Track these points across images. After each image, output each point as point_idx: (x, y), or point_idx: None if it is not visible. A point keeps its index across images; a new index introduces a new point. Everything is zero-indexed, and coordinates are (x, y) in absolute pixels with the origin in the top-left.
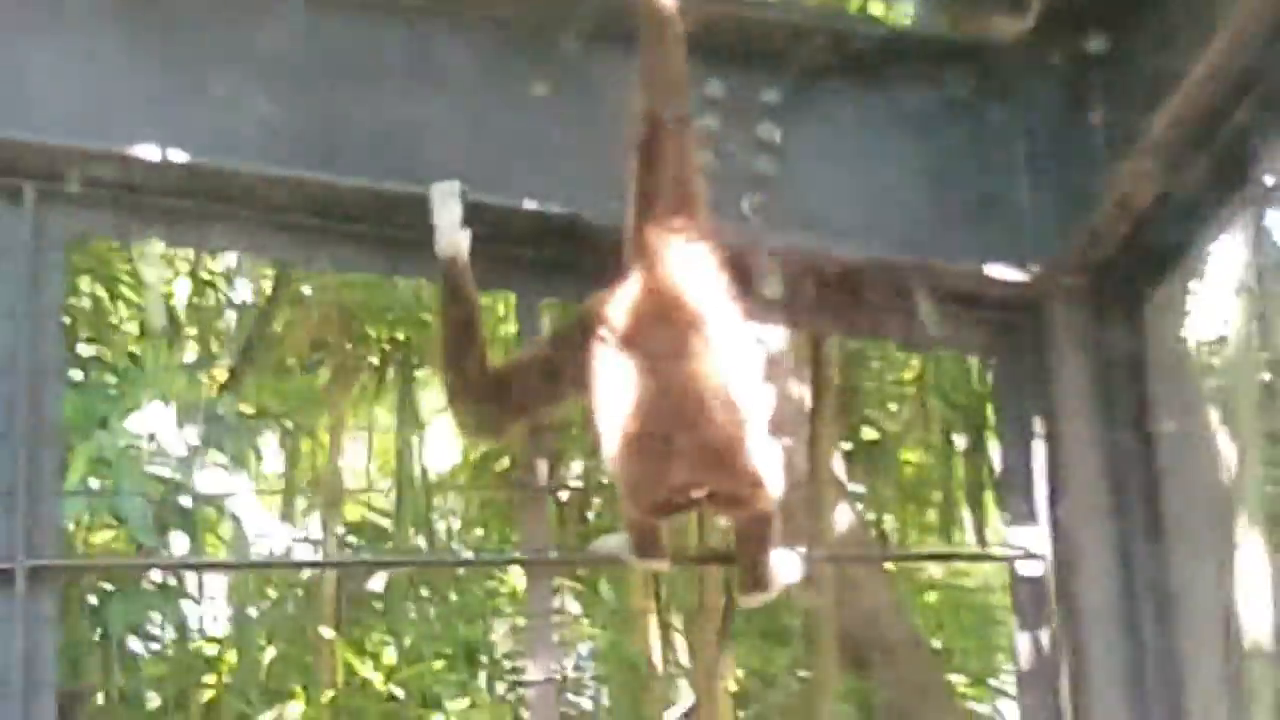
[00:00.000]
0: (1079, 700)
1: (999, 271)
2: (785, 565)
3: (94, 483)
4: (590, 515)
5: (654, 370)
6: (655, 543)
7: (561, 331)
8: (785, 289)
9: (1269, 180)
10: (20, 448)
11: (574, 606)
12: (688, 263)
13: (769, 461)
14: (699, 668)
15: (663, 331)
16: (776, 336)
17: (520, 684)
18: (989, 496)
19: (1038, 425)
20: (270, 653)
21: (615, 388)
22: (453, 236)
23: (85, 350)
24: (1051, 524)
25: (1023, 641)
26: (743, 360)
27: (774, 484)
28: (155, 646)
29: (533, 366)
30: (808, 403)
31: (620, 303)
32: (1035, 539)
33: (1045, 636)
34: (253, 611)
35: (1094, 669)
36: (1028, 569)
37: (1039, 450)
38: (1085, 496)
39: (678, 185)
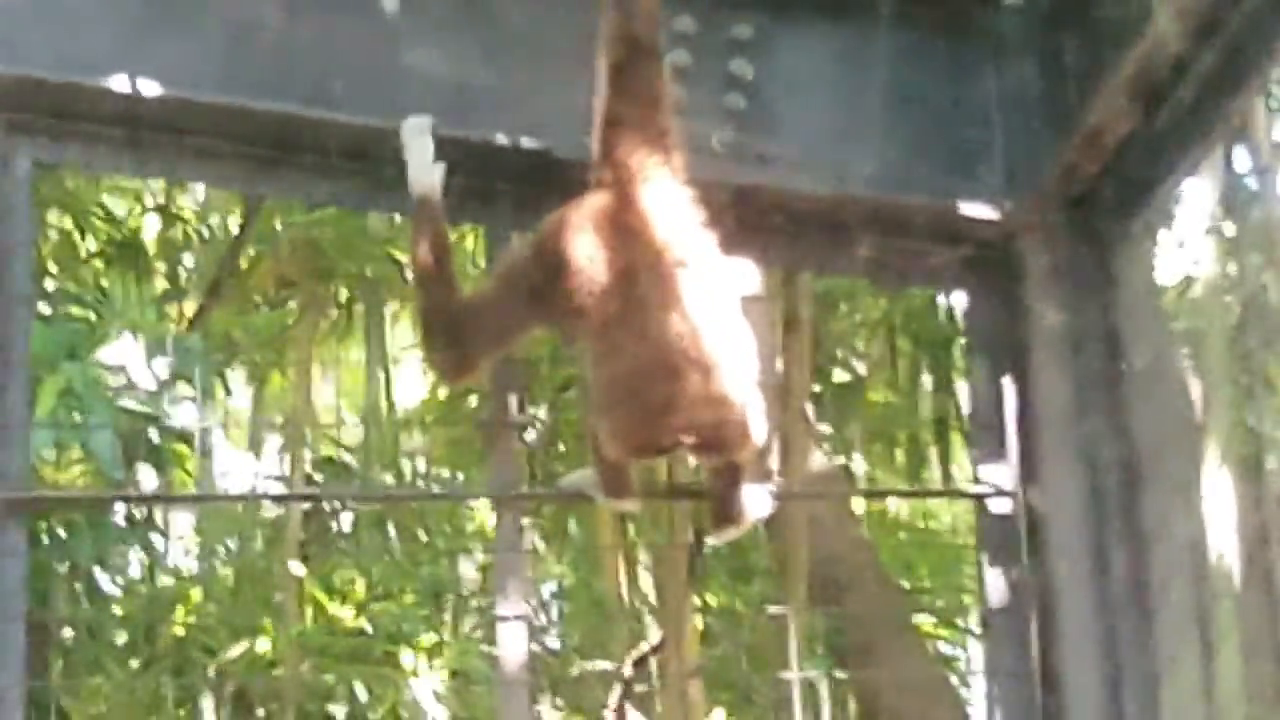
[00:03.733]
0: (1048, 638)
1: (971, 208)
2: (755, 500)
3: (62, 415)
4: (559, 451)
5: (641, 311)
6: (625, 483)
7: (520, 258)
8: (756, 225)
9: (1237, 120)
10: None
11: (540, 544)
12: (663, 195)
13: (756, 407)
14: (666, 605)
15: (645, 271)
16: (745, 271)
17: (493, 619)
18: (956, 436)
19: (1008, 362)
20: (238, 589)
21: (600, 328)
22: (425, 173)
23: (53, 283)
24: (1021, 461)
25: (991, 579)
26: (726, 300)
27: (760, 431)
28: (123, 581)
29: (497, 297)
30: (778, 340)
31: (592, 233)
32: (1004, 476)
33: (1014, 574)
34: (220, 547)
35: (1063, 607)
36: (997, 506)
37: (1009, 387)
38: (1055, 434)
39: (649, 110)
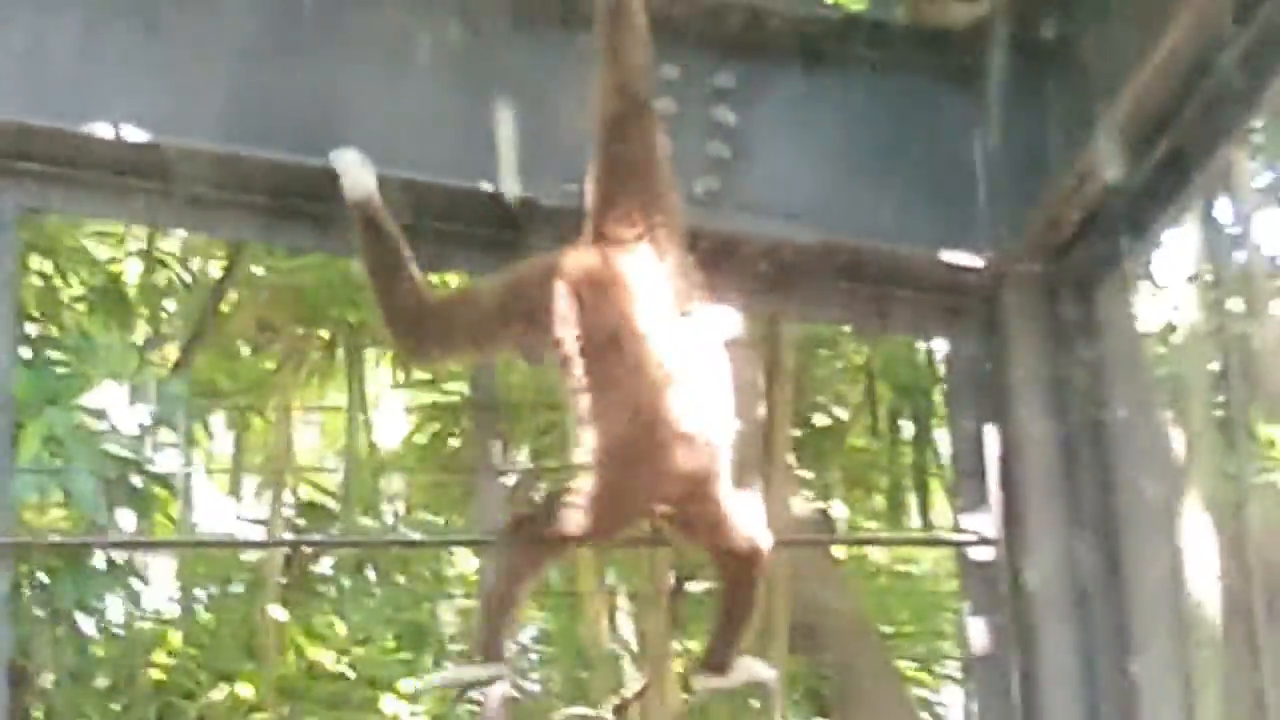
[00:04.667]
0: (1029, 686)
1: (953, 256)
2: (754, 667)
3: (44, 460)
4: (537, 497)
5: (630, 378)
6: (499, 637)
7: (517, 280)
8: (740, 272)
9: (1219, 169)
10: None
11: None
12: (657, 254)
13: (748, 505)
14: (648, 650)
15: (634, 336)
16: (731, 320)
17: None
18: (935, 483)
19: (990, 409)
20: (218, 632)
21: (587, 387)
22: (358, 177)
23: (35, 328)
24: (1003, 509)
25: (973, 627)
26: (717, 365)
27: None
28: (104, 625)
29: (485, 302)
30: (761, 386)
31: (582, 288)
32: (986, 524)
33: (996, 621)
34: (200, 592)
35: (1045, 654)
36: (979, 554)
37: (991, 435)
38: (1037, 481)
39: (644, 164)
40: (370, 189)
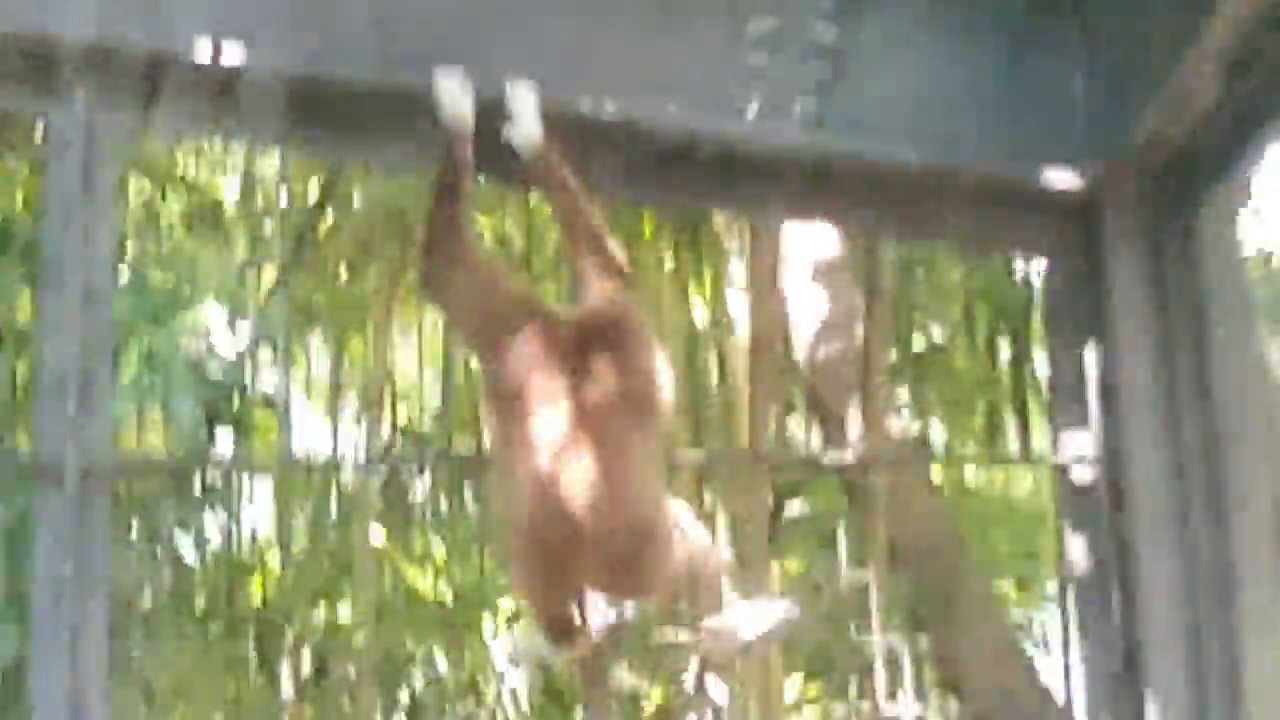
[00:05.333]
0: (1129, 607)
1: (1053, 177)
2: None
3: (144, 382)
4: None
5: (569, 452)
6: (569, 627)
7: (512, 299)
8: (838, 194)
9: None
10: (72, 347)
11: None
12: (624, 333)
13: (666, 567)
14: (746, 572)
15: (581, 414)
16: (831, 241)
17: None
18: (1033, 404)
19: (1089, 330)
20: (316, 555)
21: (521, 457)
22: (457, 100)
23: (135, 249)
24: (1103, 429)
25: (1072, 548)
26: (655, 460)
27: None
28: (203, 548)
29: (487, 289)
30: (860, 309)
31: (546, 350)
32: (1085, 444)
33: (1096, 543)
34: (298, 514)
35: (1145, 575)
36: (1079, 475)
37: (1090, 355)
38: (1137, 402)
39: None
40: (466, 112)
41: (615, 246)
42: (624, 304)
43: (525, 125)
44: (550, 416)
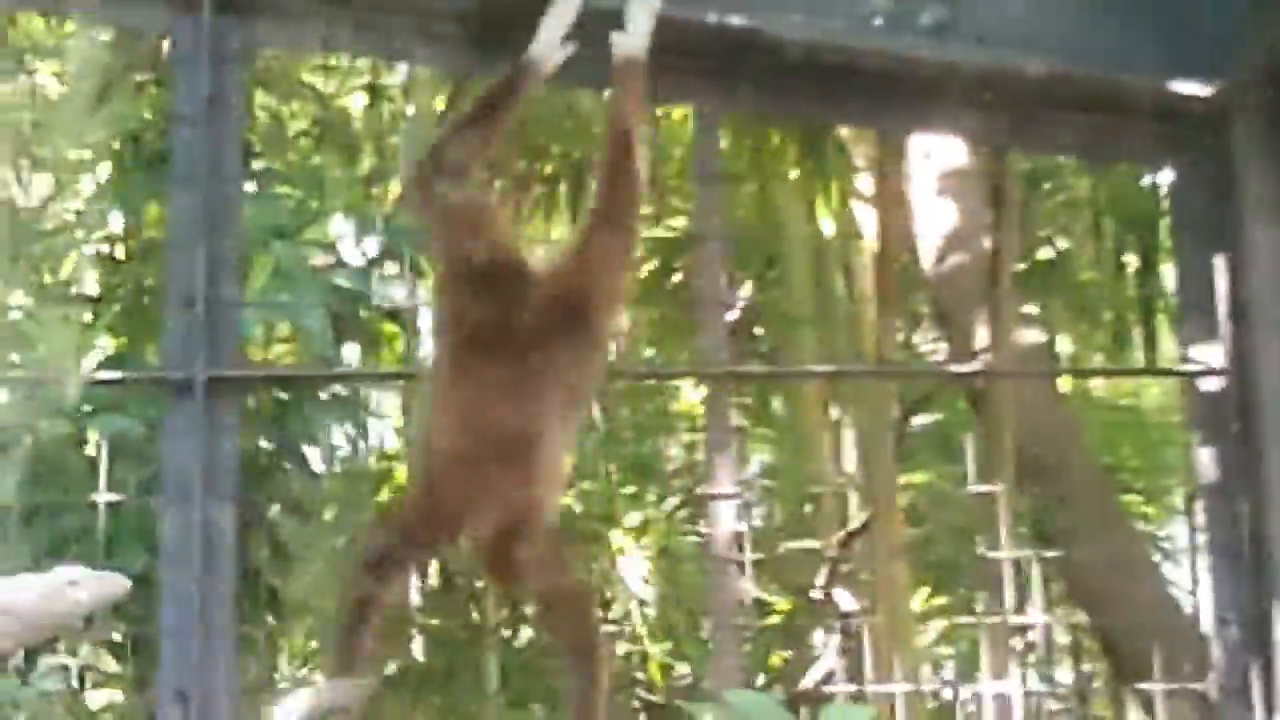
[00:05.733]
0: (1257, 518)
1: (1181, 85)
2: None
3: (272, 294)
4: (763, 329)
5: (498, 390)
6: (356, 648)
7: (491, 236)
8: (966, 103)
9: None
10: (200, 260)
11: (745, 423)
12: (581, 319)
13: (548, 554)
14: (873, 483)
15: (525, 364)
16: (958, 152)
17: (700, 498)
18: (1160, 315)
19: (1217, 240)
20: None
21: (447, 384)
22: (550, 44)
23: (262, 163)
24: (1231, 340)
25: (1201, 458)
26: (567, 444)
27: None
28: (331, 460)
29: (480, 212)
30: (987, 220)
31: (495, 282)
32: (1213, 355)
33: (1223, 453)
34: None
35: (1273, 485)
36: (1206, 385)
37: (1218, 266)
38: (1265, 311)
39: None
40: (549, 59)
41: (638, 195)
42: (597, 271)
43: (635, 36)
44: (488, 369)
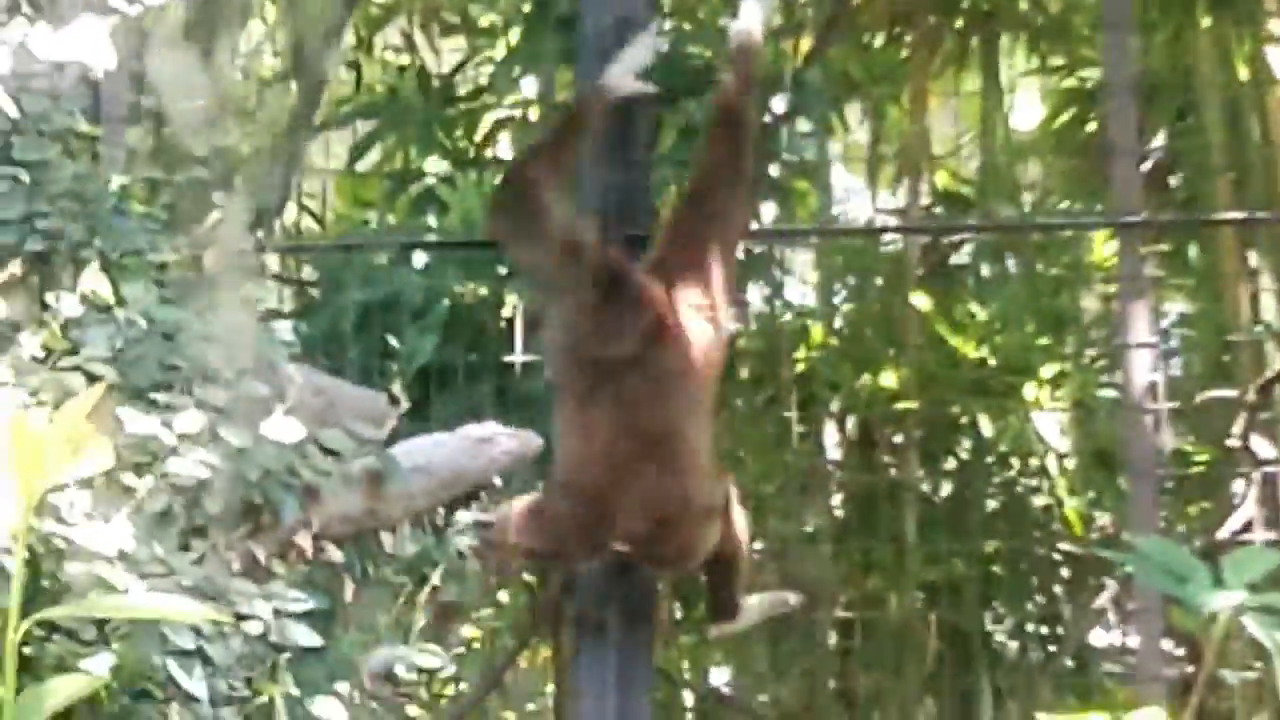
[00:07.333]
0: None
1: None
2: (756, 607)
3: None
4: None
5: (631, 406)
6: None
7: (600, 259)
8: None
9: None
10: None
11: (1160, 272)
12: (699, 288)
13: (706, 535)
14: None
15: (649, 370)
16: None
17: (1116, 349)
18: None
19: None
20: (859, 323)
21: (583, 403)
22: (627, 73)
23: (671, 22)
24: None
25: None
26: (707, 436)
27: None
28: (746, 318)
29: (565, 242)
30: None
31: (621, 301)
32: None
33: None
34: (840, 283)
35: None
36: None
37: None
38: None
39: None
40: (621, 89)
41: (744, 172)
42: (700, 264)
43: (750, 23)
44: (615, 385)
